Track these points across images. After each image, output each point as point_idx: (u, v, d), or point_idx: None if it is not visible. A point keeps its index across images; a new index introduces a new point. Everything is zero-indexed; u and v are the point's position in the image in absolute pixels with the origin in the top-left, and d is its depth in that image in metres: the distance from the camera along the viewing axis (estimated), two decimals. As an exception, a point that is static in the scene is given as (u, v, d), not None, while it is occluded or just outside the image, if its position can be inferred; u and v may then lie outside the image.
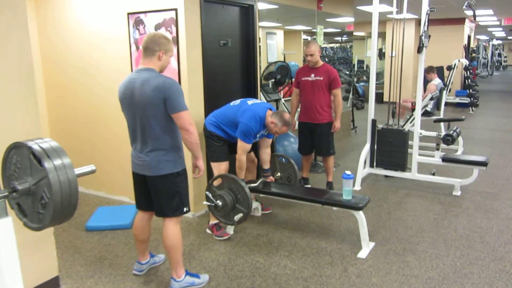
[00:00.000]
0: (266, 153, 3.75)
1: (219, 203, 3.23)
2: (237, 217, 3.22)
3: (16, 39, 2.43)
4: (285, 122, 3.44)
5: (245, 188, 3.19)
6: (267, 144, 3.74)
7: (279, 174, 4.06)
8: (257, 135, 3.54)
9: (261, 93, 4.97)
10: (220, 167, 3.54)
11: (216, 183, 3.35)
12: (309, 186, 4.76)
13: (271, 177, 3.82)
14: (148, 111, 2.47)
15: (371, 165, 4.95)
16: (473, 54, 14.94)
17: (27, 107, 2.53)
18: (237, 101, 3.62)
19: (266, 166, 3.78)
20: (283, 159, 4.07)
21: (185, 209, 2.71)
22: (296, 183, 4.03)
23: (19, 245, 1.44)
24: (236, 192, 3.23)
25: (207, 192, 3.33)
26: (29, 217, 1.41)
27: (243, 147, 3.44)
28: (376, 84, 4.95)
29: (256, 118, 3.41)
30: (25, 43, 2.49)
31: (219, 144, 3.55)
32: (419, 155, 4.86)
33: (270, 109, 3.52)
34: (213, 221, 3.61)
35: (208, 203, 3.31)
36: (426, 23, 4.45)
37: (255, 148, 3.87)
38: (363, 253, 3.26)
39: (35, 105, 2.58)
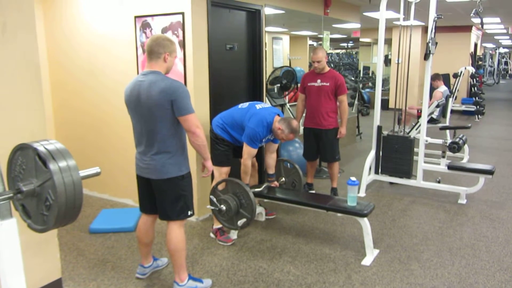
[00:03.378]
0: (271, 158, 3.74)
1: (223, 207, 3.22)
2: (241, 222, 3.21)
3: (23, 41, 2.44)
4: (292, 130, 3.42)
5: (250, 193, 3.18)
6: (273, 149, 3.72)
7: (283, 179, 4.05)
8: (263, 140, 3.53)
9: (266, 98, 4.97)
10: (221, 170, 3.55)
11: (220, 187, 3.34)
12: (313, 191, 4.74)
13: (275, 182, 3.81)
14: (155, 114, 2.47)
15: (376, 172, 4.92)
16: (480, 62, 14.89)
17: (33, 109, 2.54)
18: (246, 104, 3.60)
19: (271, 171, 3.77)
20: (288, 164, 4.05)
21: (189, 213, 2.71)
22: (301, 189, 4.01)
23: (23, 246, 1.43)
24: (240, 196, 3.22)
25: (211, 196, 3.32)
26: (33, 218, 1.40)
27: (249, 151, 3.43)
28: (381, 90, 4.93)
29: (264, 124, 3.40)
30: (33, 44, 2.50)
31: (223, 149, 3.55)
32: (425, 162, 4.83)
33: (278, 115, 3.51)
34: (217, 225, 3.60)
35: (212, 207, 3.30)
36: (433, 30, 4.44)
37: (258, 153, 3.86)
38: (367, 261, 3.23)
39: (41, 107, 2.58)
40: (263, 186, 3.68)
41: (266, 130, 3.43)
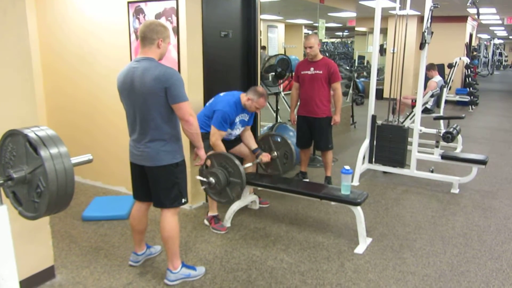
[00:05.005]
0: (248, 135, 3.76)
1: (212, 180, 3.18)
2: (234, 190, 3.19)
3: (13, 26, 2.39)
4: (260, 94, 3.46)
5: (233, 159, 3.15)
6: (246, 128, 3.76)
7: (275, 153, 4.03)
8: (237, 121, 3.53)
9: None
10: None
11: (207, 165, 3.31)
12: (307, 180, 4.75)
13: (264, 154, 3.79)
14: (148, 101, 2.45)
15: (370, 161, 4.94)
16: (474, 53, 14.91)
17: (24, 95, 2.50)
18: (211, 99, 3.64)
19: (254, 146, 3.78)
20: (278, 138, 4.04)
21: (183, 200, 2.70)
22: (293, 159, 3.99)
23: (14, 234, 1.42)
24: (226, 166, 3.19)
25: (197, 176, 3.29)
26: (25, 205, 1.39)
27: (219, 133, 3.41)
28: (376, 80, 4.92)
29: (231, 103, 3.44)
30: (23, 29, 2.45)
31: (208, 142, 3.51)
32: (418, 152, 4.85)
33: (243, 92, 3.58)
34: (212, 213, 3.60)
35: (202, 181, 3.25)
36: (429, 20, 4.42)
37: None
38: (360, 249, 3.25)
39: (32, 93, 2.55)
40: (254, 162, 3.68)
41: (235, 108, 3.46)
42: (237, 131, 3.64)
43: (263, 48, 7.62)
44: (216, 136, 3.42)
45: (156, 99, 2.44)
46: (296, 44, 7.88)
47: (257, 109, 3.56)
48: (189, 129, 2.55)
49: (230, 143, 3.69)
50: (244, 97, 3.50)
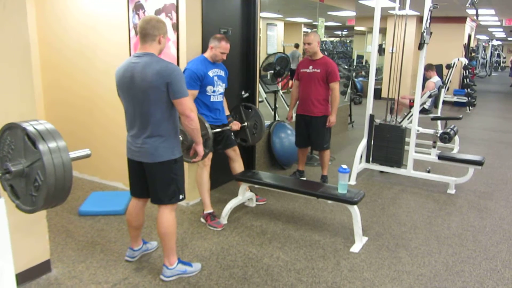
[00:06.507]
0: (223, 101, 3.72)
1: (180, 137, 3.07)
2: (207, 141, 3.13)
3: (13, 20, 2.39)
4: (219, 38, 3.43)
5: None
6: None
7: (246, 123, 4.05)
8: (212, 76, 3.46)
9: (259, 84, 4.94)
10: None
11: None
12: (304, 178, 4.75)
13: (235, 122, 3.81)
14: (150, 96, 2.45)
15: (367, 160, 4.95)
16: (473, 54, 14.94)
17: (22, 89, 2.49)
18: None
19: (227, 112, 3.78)
20: (249, 109, 4.08)
21: (181, 197, 2.70)
22: (263, 130, 4.00)
23: (11, 227, 1.42)
24: None
25: None
26: (22, 199, 1.39)
27: (190, 93, 3.11)
28: (374, 79, 4.93)
29: (195, 61, 3.43)
30: (22, 24, 2.44)
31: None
32: (415, 152, 4.86)
33: None
34: (208, 210, 3.61)
35: None
36: (428, 20, 4.43)
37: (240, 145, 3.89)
38: (356, 248, 3.26)
39: (30, 87, 2.54)
40: (224, 128, 3.66)
41: (202, 64, 3.43)
42: (219, 88, 3.55)
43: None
44: (190, 105, 3.32)
45: (157, 94, 2.43)
46: (295, 43, 7.88)
47: (223, 55, 3.48)
48: (190, 124, 2.55)
49: (225, 145, 3.71)
50: (207, 52, 3.48)
